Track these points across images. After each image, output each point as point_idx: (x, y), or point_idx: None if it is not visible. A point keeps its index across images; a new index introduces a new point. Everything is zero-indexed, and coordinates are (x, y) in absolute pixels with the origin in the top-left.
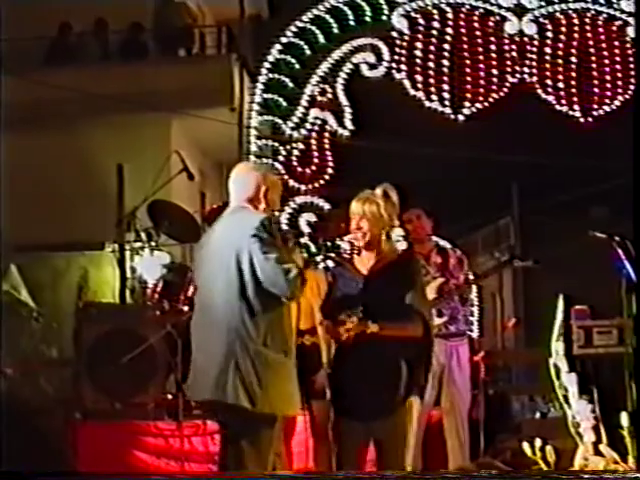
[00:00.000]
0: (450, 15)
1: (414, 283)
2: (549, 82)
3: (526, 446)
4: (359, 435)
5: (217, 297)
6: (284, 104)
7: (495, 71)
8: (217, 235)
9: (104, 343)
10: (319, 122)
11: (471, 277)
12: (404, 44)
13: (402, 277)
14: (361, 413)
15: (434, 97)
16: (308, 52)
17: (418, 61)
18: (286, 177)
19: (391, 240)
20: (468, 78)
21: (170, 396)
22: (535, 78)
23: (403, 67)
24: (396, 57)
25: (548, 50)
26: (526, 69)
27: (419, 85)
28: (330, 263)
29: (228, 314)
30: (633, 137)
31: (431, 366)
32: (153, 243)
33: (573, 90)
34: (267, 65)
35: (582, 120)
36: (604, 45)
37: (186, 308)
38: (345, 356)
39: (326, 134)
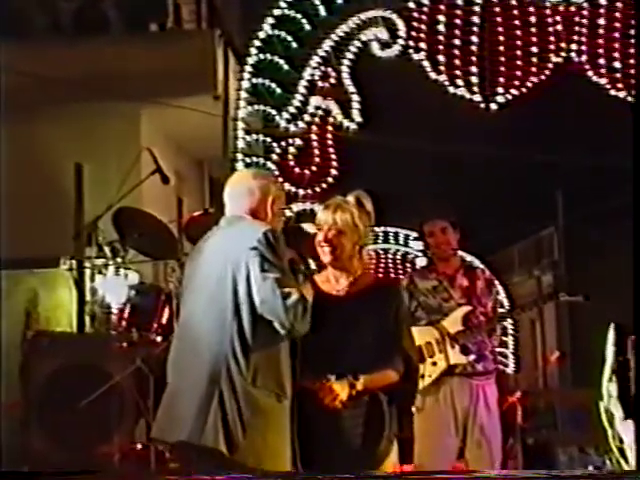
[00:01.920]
0: None
1: (398, 316)
2: (602, 62)
3: None
4: None
5: (205, 321)
6: (278, 91)
7: (535, 49)
8: (210, 248)
9: (58, 381)
10: (320, 113)
11: (502, 307)
12: (423, 17)
13: (383, 306)
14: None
15: (460, 82)
16: (307, 27)
17: (441, 38)
18: (281, 180)
19: (363, 258)
20: (502, 58)
21: (140, 445)
22: (584, 57)
23: (422, 45)
24: (414, 33)
25: (601, 22)
26: (573, 46)
27: (442, 67)
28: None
29: (216, 342)
30: (633, 136)
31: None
32: (119, 259)
33: (631, 71)
34: (257, 43)
35: None
36: None
37: (159, 338)
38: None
39: (329, 127)
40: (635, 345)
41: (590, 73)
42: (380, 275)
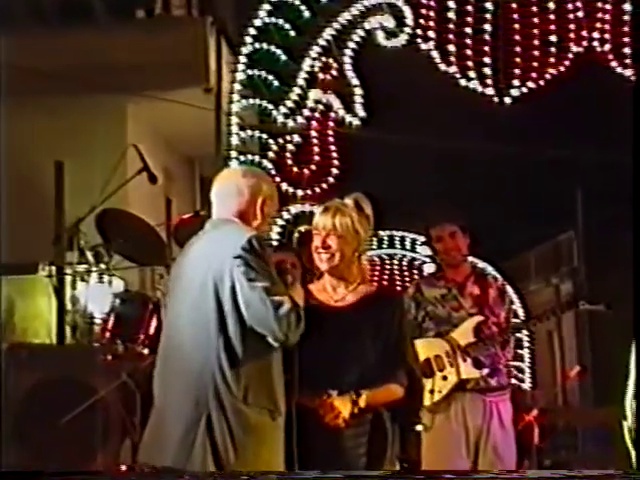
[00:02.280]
0: None
1: (401, 328)
2: (626, 51)
3: None
4: None
5: (189, 335)
6: (275, 83)
7: (554, 38)
8: (194, 254)
9: (37, 397)
10: (321, 107)
11: (517, 317)
12: (432, 3)
13: (384, 318)
14: None
15: (472, 74)
16: (306, 14)
17: (451, 26)
18: (278, 179)
19: (363, 266)
20: (517, 48)
21: (124, 467)
22: (608, 46)
23: (431, 34)
24: (422, 21)
25: (626, 7)
26: (595, 34)
27: (452, 58)
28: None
29: (202, 358)
30: (633, 136)
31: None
32: (102, 265)
33: None
34: (252, 31)
35: None
36: None
37: (146, 351)
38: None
39: (330, 123)
40: (637, 349)
41: (614, 64)
42: (381, 284)
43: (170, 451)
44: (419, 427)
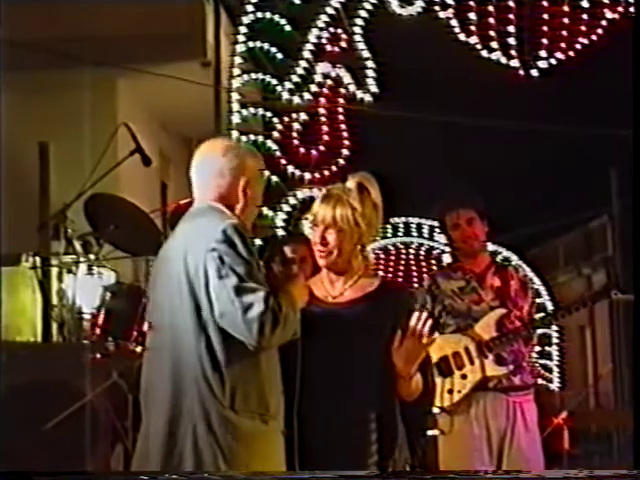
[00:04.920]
0: None
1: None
2: None
3: None
4: None
5: (170, 336)
6: (279, 56)
7: (585, 3)
8: (173, 246)
9: (20, 399)
10: (329, 82)
11: (544, 311)
12: None
13: (388, 316)
14: None
15: (494, 44)
16: None
17: None
18: (284, 161)
19: (367, 257)
20: (544, 16)
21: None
22: None
23: (450, 1)
24: None
25: None
26: None
27: (473, 27)
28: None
29: (184, 361)
30: (633, 135)
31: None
32: (92, 256)
33: None
34: None
35: None
36: None
37: (139, 349)
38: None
39: (340, 100)
40: (634, 344)
41: None
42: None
43: (156, 465)
44: (434, 432)
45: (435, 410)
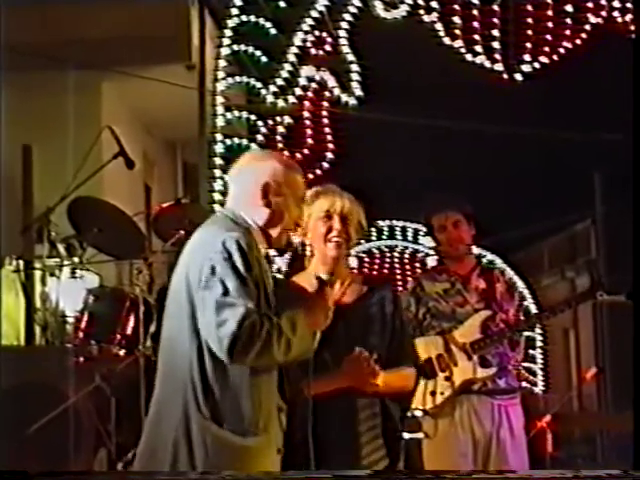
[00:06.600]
0: None
1: (402, 329)
2: None
3: None
4: None
5: (173, 341)
6: (264, 59)
7: (569, 7)
8: (185, 250)
9: (3, 402)
10: (314, 85)
11: (529, 314)
12: None
13: (383, 319)
14: None
15: (479, 48)
16: None
17: None
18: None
19: (348, 265)
20: (529, 20)
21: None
22: (630, 16)
23: (434, 5)
24: None
25: None
26: (616, 3)
27: (457, 31)
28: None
29: (177, 365)
30: (633, 134)
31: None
32: (75, 259)
33: None
34: (239, 3)
35: None
36: None
37: (122, 352)
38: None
39: (324, 103)
40: (634, 344)
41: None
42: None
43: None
44: (419, 435)
45: (418, 413)
